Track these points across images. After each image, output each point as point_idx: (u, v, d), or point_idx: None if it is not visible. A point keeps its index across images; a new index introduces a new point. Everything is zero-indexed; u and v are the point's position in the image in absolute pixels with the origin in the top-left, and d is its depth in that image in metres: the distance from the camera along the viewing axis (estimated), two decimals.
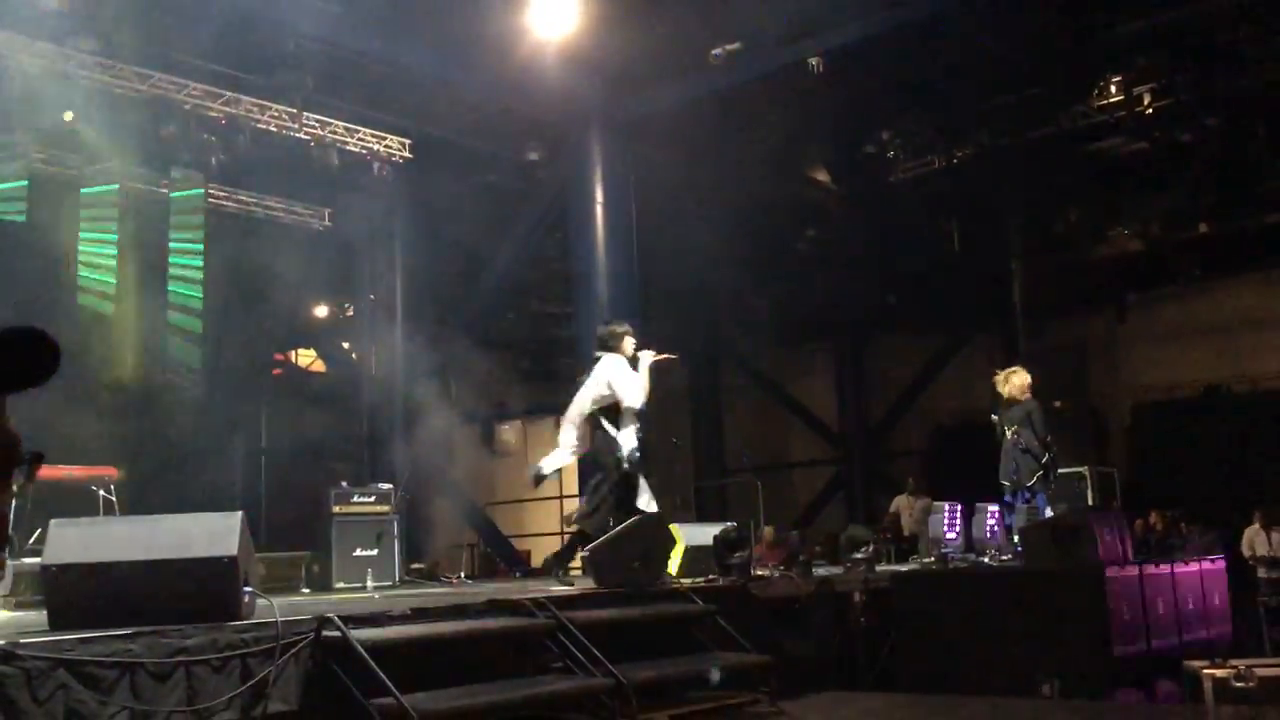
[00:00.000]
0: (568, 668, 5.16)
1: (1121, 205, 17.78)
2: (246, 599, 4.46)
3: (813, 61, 12.31)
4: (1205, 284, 18.82)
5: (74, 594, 4.25)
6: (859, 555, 8.75)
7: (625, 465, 7.16)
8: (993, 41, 12.39)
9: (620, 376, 7.25)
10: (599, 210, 13.60)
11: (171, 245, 11.63)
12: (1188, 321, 19.00)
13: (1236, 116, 14.59)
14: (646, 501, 7.22)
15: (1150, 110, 14.53)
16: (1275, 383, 18.11)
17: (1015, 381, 9.39)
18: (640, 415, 7.28)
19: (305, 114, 11.77)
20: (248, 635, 4.16)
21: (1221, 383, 18.74)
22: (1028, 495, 9.15)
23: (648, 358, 7.40)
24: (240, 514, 4.52)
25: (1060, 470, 9.79)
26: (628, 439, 7.21)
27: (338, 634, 4.37)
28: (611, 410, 7.29)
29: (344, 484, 9.74)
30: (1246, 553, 11.84)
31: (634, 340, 7.45)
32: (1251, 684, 5.34)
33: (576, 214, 13.82)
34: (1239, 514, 12.48)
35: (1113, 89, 14.55)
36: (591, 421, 7.38)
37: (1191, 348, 18.94)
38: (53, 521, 4.43)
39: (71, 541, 4.37)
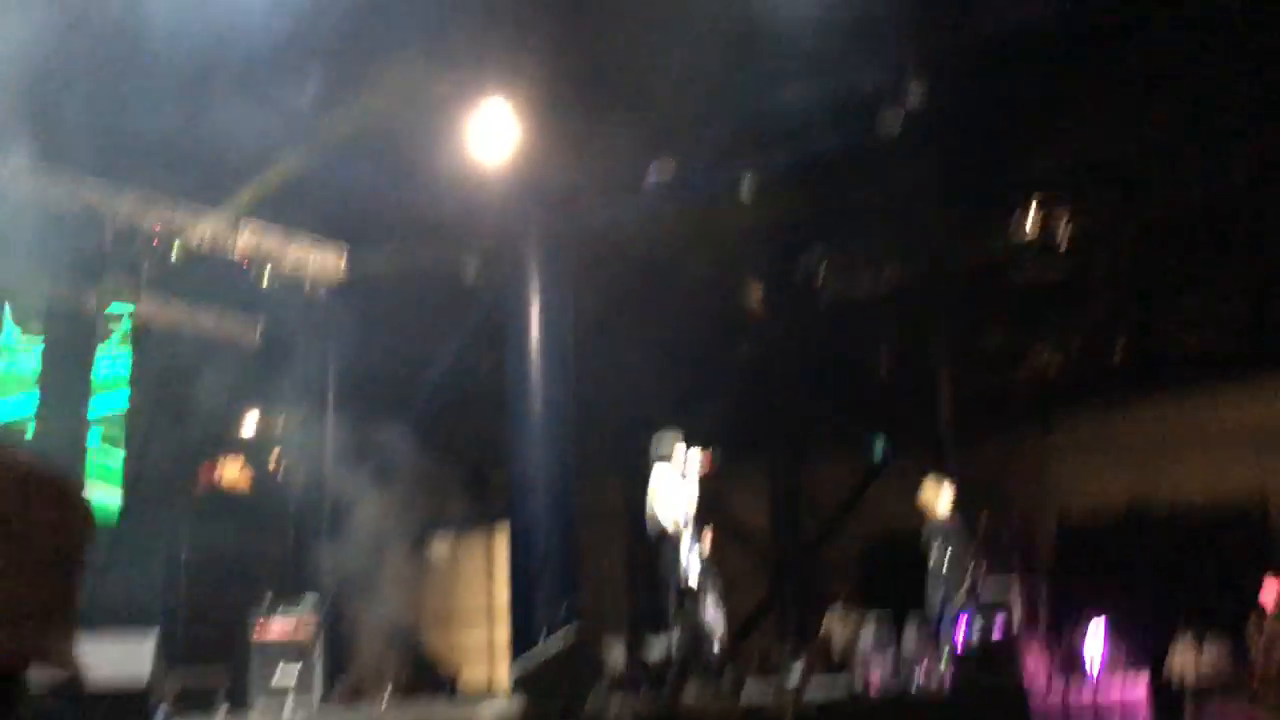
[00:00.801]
0: None
1: (1044, 326, 18.30)
2: None
3: (745, 184, 12.66)
4: (1125, 403, 19.30)
5: None
6: (792, 673, 8.69)
7: (677, 581, 7.30)
8: (916, 171, 12.84)
9: (658, 494, 7.36)
10: (534, 326, 13.68)
11: (98, 355, 11.48)
12: (1110, 439, 19.41)
13: (1152, 242, 15.16)
14: (712, 612, 7.17)
15: (1067, 237, 15.08)
16: (1195, 502, 18.50)
17: (935, 497, 9.50)
18: (694, 522, 7.33)
19: (240, 228, 11.79)
20: None
21: (1145, 499, 19.11)
22: (954, 616, 9.19)
23: (695, 464, 7.49)
24: (155, 633, 4.41)
25: (986, 589, 9.86)
26: (672, 552, 7.33)
27: None
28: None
29: (267, 599, 9.52)
30: (1175, 673, 11.90)
31: (684, 446, 7.50)
32: None
33: (512, 329, 13.89)
34: (1164, 632, 12.59)
35: (1030, 217, 15.11)
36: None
37: (1115, 465, 19.32)
38: None
39: None
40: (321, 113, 11.04)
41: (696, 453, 7.59)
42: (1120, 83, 11.29)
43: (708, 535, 7.54)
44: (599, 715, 6.34)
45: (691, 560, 7.32)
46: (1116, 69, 11.02)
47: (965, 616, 9.12)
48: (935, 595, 9.19)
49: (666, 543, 7.43)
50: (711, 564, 7.50)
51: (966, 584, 9.12)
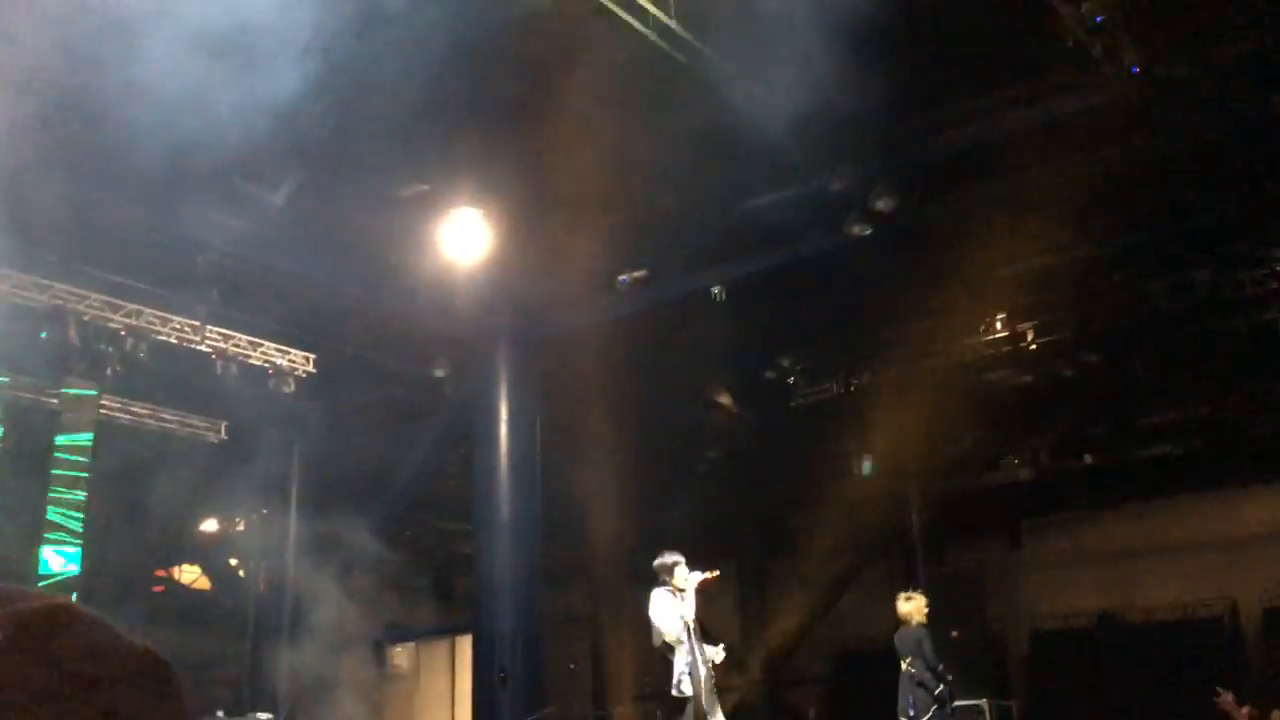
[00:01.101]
0: None
1: (1011, 435, 18.38)
2: None
3: (715, 290, 12.77)
4: (1093, 513, 19.36)
5: None
6: None
7: (674, 693, 7.74)
8: (883, 277, 13.00)
9: (657, 611, 7.91)
10: (503, 428, 13.60)
11: (56, 455, 11.28)
12: (1079, 550, 19.41)
13: (1114, 354, 15.35)
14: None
15: (1034, 346, 15.24)
16: (1166, 614, 18.44)
17: (908, 607, 9.39)
18: (693, 635, 7.88)
19: (209, 328, 11.73)
20: None
21: (1115, 611, 19.03)
22: None
23: (693, 581, 8.03)
24: None
25: (958, 703, 9.70)
26: (678, 666, 7.80)
27: None
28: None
29: (220, 713, 9.21)
30: None
31: (685, 570, 8.04)
32: None
33: (480, 431, 13.80)
34: None
35: (998, 324, 15.29)
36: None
37: (1084, 576, 19.29)
38: None
39: None
40: (292, 216, 11.07)
41: (698, 574, 8.09)
42: (1083, 192, 11.53)
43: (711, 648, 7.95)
44: None
45: (695, 668, 7.80)
46: (1082, 179, 11.26)
47: None
48: (906, 702, 9.04)
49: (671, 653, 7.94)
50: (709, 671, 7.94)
51: (934, 695, 8.97)
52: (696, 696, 7.78)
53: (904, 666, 9.07)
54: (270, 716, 9.19)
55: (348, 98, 9.01)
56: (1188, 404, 16.67)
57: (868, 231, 11.58)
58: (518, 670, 12.35)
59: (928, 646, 9.08)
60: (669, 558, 8.17)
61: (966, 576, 18.24)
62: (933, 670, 8.94)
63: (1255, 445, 16.08)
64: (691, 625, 7.98)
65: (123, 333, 11.21)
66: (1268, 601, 17.53)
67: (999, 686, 16.37)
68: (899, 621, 9.36)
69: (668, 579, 8.03)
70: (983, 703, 12.58)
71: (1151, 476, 17.92)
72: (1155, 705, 15.14)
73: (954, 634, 13.12)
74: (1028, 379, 16.19)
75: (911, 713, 8.99)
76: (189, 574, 15.06)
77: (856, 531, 19.49)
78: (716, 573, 8.37)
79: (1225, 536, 17.77)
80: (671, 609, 7.92)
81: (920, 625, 9.22)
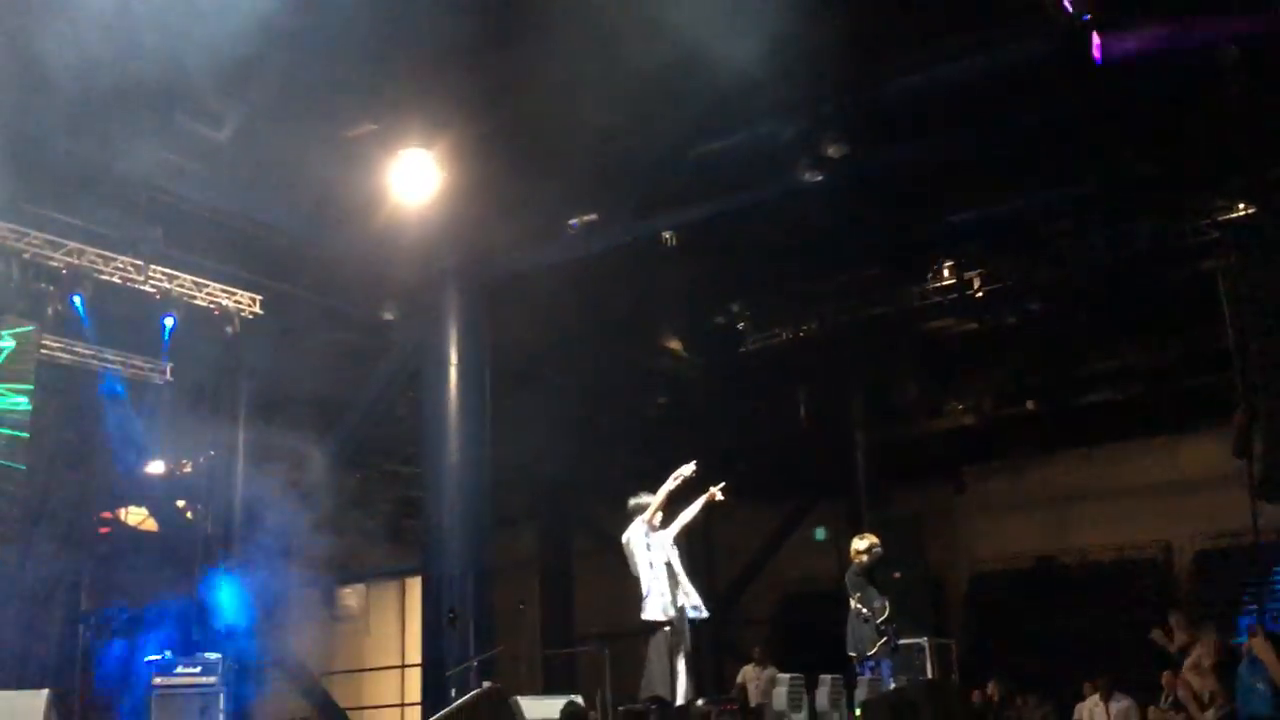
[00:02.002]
0: None
1: (955, 381, 18.66)
2: None
3: (666, 235, 12.76)
4: (1034, 459, 19.76)
5: None
6: None
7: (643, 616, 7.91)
8: (834, 225, 13.05)
9: (629, 544, 8.09)
10: (452, 372, 13.57)
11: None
12: (1020, 494, 19.82)
13: (1058, 303, 15.59)
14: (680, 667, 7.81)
15: (979, 294, 15.44)
16: (1101, 554, 18.93)
17: (858, 545, 9.52)
18: (672, 568, 8.06)
19: (152, 267, 11.54)
20: None
21: (1053, 554, 19.50)
22: (872, 665, 9.19)
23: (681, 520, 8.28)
24: (45, 693, 4.23)
25: (901, 641, 9.89)
26: (645, 594, 7.99)
27: None
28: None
29: (167, 653, 9.20)
30: None
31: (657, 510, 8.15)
32: None
33: (429, 375, 13.75)
34: (1073, 685, 12.77)
35: (945, 272, 15.46)
36: None
37: (1025, 519, 19.72)
38: None
39: None
40: (237, 154, 10.89)
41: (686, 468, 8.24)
42: (1035, 144, 11.64)
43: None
44: None
45: (673, 599, 7.98)
46: (1032, 131, 11.36)
47: (885, 666, 9.15)
48: (853, 645, 9.20)
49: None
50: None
51: (884, 632, 9.13)
52: (675, 628, 7.91)
53: (852, 604, 9.23)
54: (219, 656, 9.20)
55: (294, 30, 8.82)
56: (1128, 352, 17.00)
57: (819, 178, 11.61)
58: (467, 610, 12.43)
59: (870, 584, 9.23)
60: (644, 498, 8.28)
61: (910, 520, 18.55)
62: (870, 607, 9.08)
63: (1193, 393, 16.45)
64: (673, 559, 8.12)
65: (64, 271, 11.00)
66: (1200, 544, 18.05)
67: (939, 626, 16.74)
68: (854, 557, 9.49)
69: (643, 518, 8.17)
70: (924, 641, 12.85)
71: (1092, 423, 18.30)
72: (1090, 643, 15.57)
73: (896, 575, 13.36)
74: (973, 326, 16.41)
75: (860, 648, 9.16)
76: (136, 515, 14.93)
77: (803, 476, 19.77)
78: (717, 490, 8.57)
79: (1161, 481, 18.22)
80: (640, 540, 8.08)
81: (867, 564, 9.35)
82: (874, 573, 9.37)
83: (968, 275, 15.42)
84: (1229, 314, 10.57)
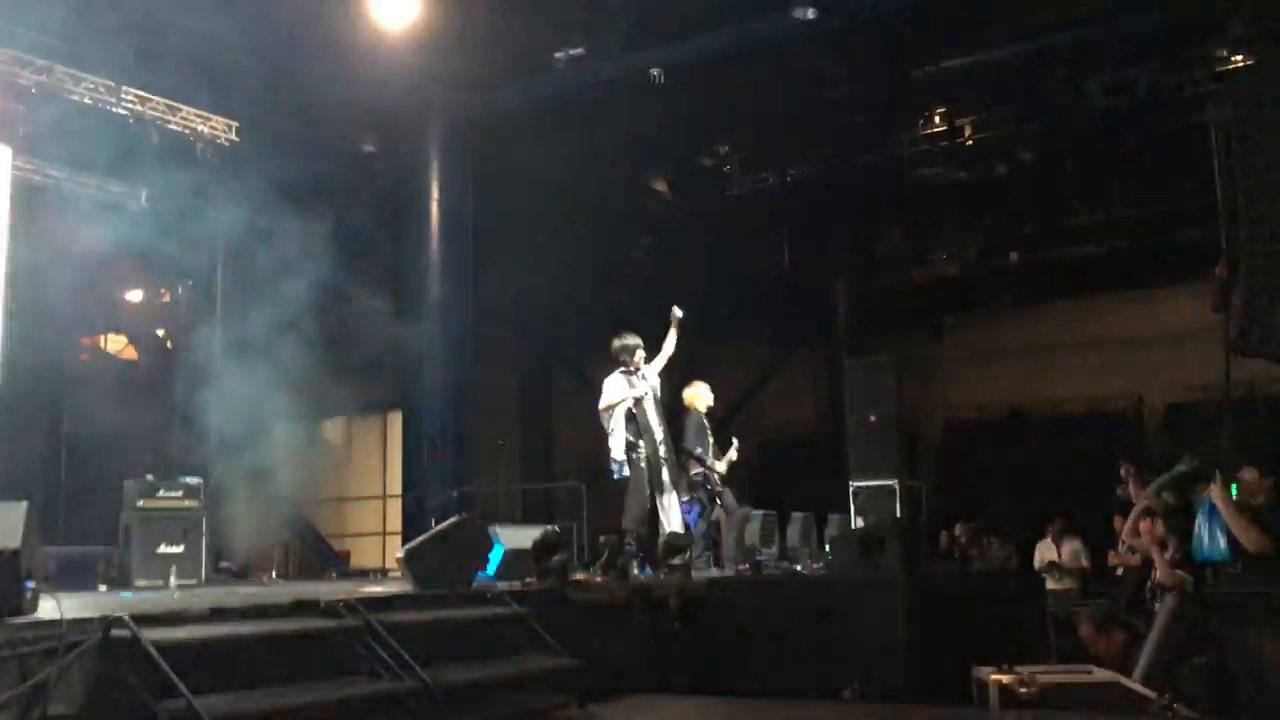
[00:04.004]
0: (375, 671, 5.05)
1: (941, 231, 18.61)
2: (29, 595, 4.22)
3: (654, 72, 12.46)
4: (1015, 310, 19.89)
5: None
6: (676, 562, 8.83)
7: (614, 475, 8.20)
8: (826, 67, 12.78)
9: (605, 391, 8.28)
10: (434, 207, 13.42)
11: None
12: (998, 345, 20.02)
13: (1049, 153, 15.43)
14: (665, 497, 8.10)
15: (970, 142, 15.25)
16: (1073, 406, 19.24)
17: (688, 394, 9.77)
18: (650, 416, 8.21)
19: (125, 88, 11.23)
20: (28, 634, 3.93)
21: (1026, 404, 19.81)
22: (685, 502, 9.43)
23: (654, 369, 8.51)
24: (24, 504, 4.27)
25: (870, 483, 10.13)
26: (613, 448, 8.25)
27: (127, 633, 4.17)
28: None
29: (149, 477, 9.29)
30: (1037, 564, 12.49)
31: (643, 354, 8.38)
32: (1034, 690, 5.62)
33: (411, 210, 13.61)
34: (1036, 529, 13.15)
35: (936, 119, 15.23)
36: None
37: (1001, 370, 19.96)
38: None
39: None
40: None
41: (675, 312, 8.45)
42: None
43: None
44: (486, 591, 6.39)
45: (648, 449, 8.17)
46: None
47: (694, 510, 9.48)
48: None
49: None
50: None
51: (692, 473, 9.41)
52: (652, 476, 8.09)
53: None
54: (199, 480, 9.31)
55: None
56: (1114, 204, 16.92)
57: (812, 15, 11.30)
58: (447, 443, 12.60)
59: (692, 433, 9.44)
60: (629, 339, 8.24)
61: (887, 367, 18.73)
62: (692, 454, 9.32)
63: (1174, 248, 16.45)
64: (650, 407, 8.18)
65: (33, 90, 10.70)
66: (1171, 397, 18.33)
67: (911, 471, 17.08)
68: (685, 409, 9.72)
69: (627, 359, 8.22)
70: (894, 483, 13.16)
71: (1074, 275, 18.36)
72: (1057, 491, 15.93)
73: (871, 419, 13.59)
74: (962, 175, 16.27)
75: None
76: (116, 343, 14.89)
77: (785, 322, 19.86)
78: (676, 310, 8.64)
79: (1137, 335, 18.42)
80: (616, 389, 8.11)
81: (697, 411, 9.56)
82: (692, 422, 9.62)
83: (959, 123, 15.21)
84: (1219, 167, 10.45)
